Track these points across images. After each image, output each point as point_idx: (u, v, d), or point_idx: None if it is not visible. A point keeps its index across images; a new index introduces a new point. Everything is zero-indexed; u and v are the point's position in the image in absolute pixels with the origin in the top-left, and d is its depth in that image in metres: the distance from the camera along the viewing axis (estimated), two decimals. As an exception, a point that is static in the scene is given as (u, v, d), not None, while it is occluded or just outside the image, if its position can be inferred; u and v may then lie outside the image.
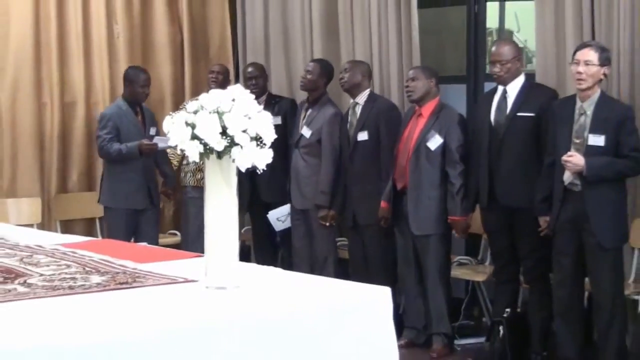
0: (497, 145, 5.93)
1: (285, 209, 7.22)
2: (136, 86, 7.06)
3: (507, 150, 5.90)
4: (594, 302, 5.63)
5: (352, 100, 6.82)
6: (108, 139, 6.94)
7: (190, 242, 7.11)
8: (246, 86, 7.23)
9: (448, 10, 7.79)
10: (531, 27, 6.66)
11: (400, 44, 7.17)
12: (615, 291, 5.49)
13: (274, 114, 7.14)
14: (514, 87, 5.96)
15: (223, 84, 7.21)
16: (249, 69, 7.59)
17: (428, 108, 6.35)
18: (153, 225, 7.17)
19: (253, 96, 3.41)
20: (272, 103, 7.37)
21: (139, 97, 7.10)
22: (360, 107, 6.72)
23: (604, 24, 6.06)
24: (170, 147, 6.78)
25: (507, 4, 7.46)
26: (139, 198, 7.01)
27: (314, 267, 6.87)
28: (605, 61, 5.43)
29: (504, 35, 7.43)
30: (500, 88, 6.01)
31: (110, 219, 7.10)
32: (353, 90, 6.76)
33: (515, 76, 5.96)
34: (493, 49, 6.09)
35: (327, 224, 6.90)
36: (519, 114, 5.89)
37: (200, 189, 7.35)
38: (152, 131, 7.09)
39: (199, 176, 7.41)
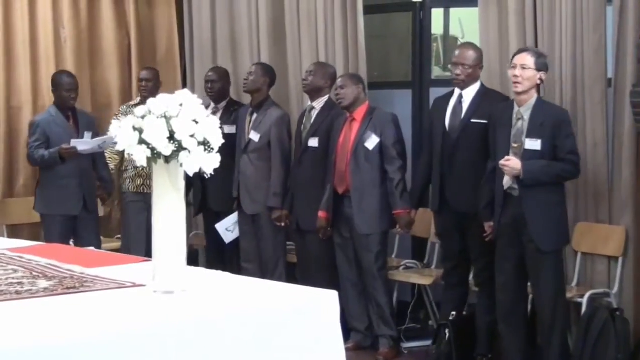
0: (450, 150, 5.97)
1: (233, 218, 7.15)
2: (61, 90, 6.93)
3: (459, 155, 5.94)
4: (536, 306, 5.68)
5: (309, 103, 6.82)
6: (36, 146, 6.84)
7: (131, 247, 7.08)
8: (205, 89, 7.29)
9: (394, 16, 7.86)
10: (475, 34, 6.72)
11: (347, 50, 7.21)
12: (556, 294, 5.54)
13: (231, 122, 7.14)
14: (470, 93, 5.98)
15: (153, 90, 7.10)
16: (209, 73, 7.50)
17: (360, 112, 6.41)
18: (91, 231, 7.02)
19: (201, 101, 3.40)
20: (231, 110, 7.34)
21: (65, 102, 6.95)
22: (316, 112, 6.72)
23: (546, 31, 6.16)
24: (94, 149, 6.71)
25: (452, 10, 7.54)
26: (72, 204, 6.89)
27: (264, 271, 6.87)
28: (542, 66, 5.49)
29: (449, 41, 7.50)
30: (457, 92, 6.02)
31: (46, 226, 7.00)
32: (313, 93, 6.75)
33: (474, 82, 5.99)
34: (457, 52, 6.07)
35: (282, 224, 6.90)
36: (472, 120, 5.91)
37: (140, 194, 7.30)
38: (87, 136, 6.92)
39: (139, 182, 7.34)
